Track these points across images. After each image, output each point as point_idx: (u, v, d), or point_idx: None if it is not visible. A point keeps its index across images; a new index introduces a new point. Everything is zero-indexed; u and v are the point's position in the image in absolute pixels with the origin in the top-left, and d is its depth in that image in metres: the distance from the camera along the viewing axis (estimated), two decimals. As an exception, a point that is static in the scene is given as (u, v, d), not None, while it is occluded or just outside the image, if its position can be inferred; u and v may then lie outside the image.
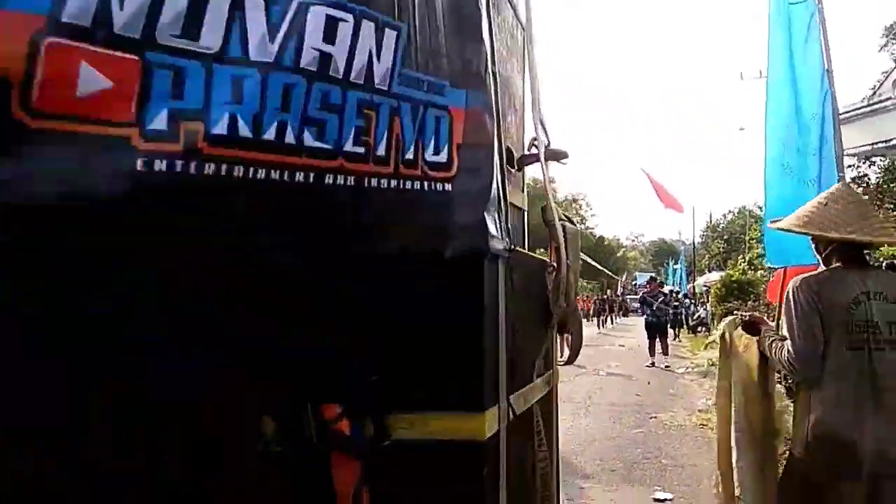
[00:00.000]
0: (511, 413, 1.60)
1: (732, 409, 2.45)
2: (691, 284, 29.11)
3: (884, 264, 7.62)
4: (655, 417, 7.20)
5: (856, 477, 1.99)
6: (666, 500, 4.42)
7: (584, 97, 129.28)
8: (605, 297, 32.07)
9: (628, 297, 41.51)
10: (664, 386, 9.74)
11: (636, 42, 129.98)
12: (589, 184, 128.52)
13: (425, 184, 1.38)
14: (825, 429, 2.04)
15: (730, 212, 38.46)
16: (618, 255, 59.47)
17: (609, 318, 29.19)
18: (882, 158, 17.89)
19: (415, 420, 1.43)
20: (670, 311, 14.64)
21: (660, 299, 13.16)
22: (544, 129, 2.11)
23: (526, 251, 2.29)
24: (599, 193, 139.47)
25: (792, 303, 2.10)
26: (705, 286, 22.55)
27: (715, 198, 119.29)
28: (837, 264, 2.18)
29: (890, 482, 1.99)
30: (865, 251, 2.31)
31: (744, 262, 16.77)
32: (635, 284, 50.32)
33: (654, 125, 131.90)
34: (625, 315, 36.54)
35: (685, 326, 20.75)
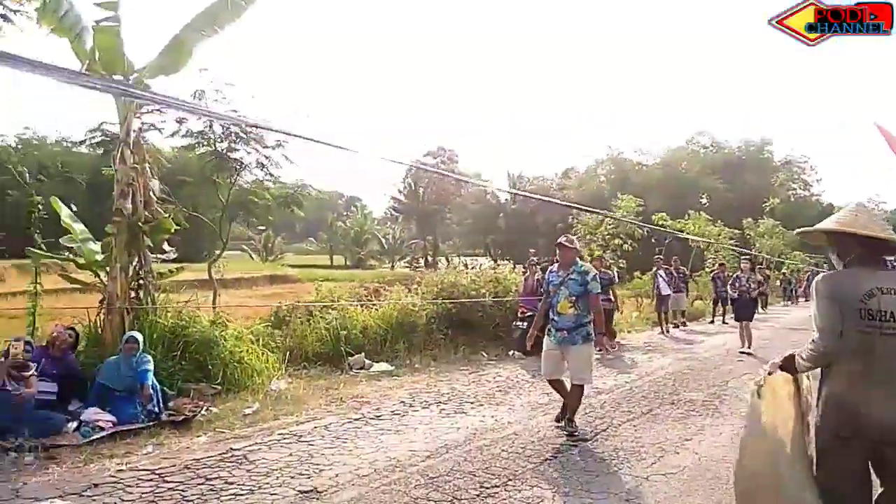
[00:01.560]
0: None
1: (795, 447, 2.64)
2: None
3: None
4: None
5: (858, 441, 2.43)
6: None
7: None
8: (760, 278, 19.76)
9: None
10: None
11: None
12: (812, 145, 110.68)
13: None
14: (834, 399, 2.51)
15: None
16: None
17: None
18: None
19: None
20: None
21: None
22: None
23: None
24: (827, 156, 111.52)
25: (816, 294, 2.56)
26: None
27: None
28: (855, 267, 2.63)
29: (892, 449, 2.39)
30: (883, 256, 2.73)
31: None
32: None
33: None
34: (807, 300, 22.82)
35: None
